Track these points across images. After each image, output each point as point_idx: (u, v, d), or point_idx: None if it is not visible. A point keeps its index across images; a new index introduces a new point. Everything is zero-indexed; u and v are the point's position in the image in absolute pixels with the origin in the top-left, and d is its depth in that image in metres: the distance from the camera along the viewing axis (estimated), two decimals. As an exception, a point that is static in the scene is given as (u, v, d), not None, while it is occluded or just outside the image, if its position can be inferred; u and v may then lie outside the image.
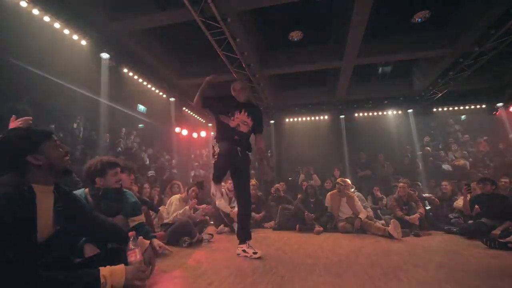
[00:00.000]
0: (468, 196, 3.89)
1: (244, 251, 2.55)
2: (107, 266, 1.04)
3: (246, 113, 2.73)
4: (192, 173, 8.29)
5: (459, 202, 4.34)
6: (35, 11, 3.88)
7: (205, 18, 4.16)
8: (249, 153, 2.79)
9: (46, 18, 4.04)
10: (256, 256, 2.47)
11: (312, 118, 9.07)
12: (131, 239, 1.22)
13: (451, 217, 4.42)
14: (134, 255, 1.17)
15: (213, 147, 2.64)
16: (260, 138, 2.82)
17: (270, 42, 6.10)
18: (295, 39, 5.63)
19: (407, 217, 4.09)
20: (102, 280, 0.98)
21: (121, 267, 1.06)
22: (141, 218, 2.27)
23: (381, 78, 7.60)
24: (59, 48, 4.64)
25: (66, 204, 1.16)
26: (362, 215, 4.27)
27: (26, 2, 3.73)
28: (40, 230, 1.02)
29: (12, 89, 5.35)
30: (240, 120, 2.71)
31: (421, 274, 2.00)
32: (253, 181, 5.30)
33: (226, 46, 4.83)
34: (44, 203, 1.08)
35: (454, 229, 4.03)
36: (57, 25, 4.21)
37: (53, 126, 5.75)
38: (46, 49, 4.75)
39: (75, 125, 6.49)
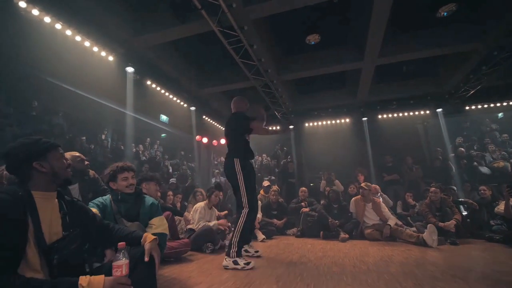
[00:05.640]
0: (511, 200, 3.55)
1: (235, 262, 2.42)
2: (87, 276, 1.05)
3: None
4: (213, 180, 8.39)
5: (501, 207, 3.95)
6: (68, 32, 4.20)
7: (223, 28, 4.25)
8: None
9: (78, 38, 4.36)
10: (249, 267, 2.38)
11: (333, 121, 8.81)
12: (121, 251, 1.13)
13: (493, 223, 4.05)
14: (120, 270, 1.09)
15: (240, 169, 2.67)
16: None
17: (287, 47, 6.08)
18: (313, 43, 5.56)
19: (441, 224, 3.79)
20: None
21: (100, 277, 1.06)
22: (160, 221, 2.10)
23: (405, 77, 7.26)
24: (89, 65, 4.98)
25: (70, 211, 1.24)
26: (391, 222, 4.04)
27: (61, 24, 4.06)
28: (45, 235, 1.09)
29: (49, 105, 5.81)
30: None
31: (461, 286, 1.83)
32: (274, 187, 5.24)
33: (243, 53, 4.89)
34: (46, 208, 1.14)
35: (497, 237, 3.68)
36: (87, 43, 4.52)
37: (84, 138, 6.14)
38: (77, 66, 5.12)
39: (103, 137, 6.89)
